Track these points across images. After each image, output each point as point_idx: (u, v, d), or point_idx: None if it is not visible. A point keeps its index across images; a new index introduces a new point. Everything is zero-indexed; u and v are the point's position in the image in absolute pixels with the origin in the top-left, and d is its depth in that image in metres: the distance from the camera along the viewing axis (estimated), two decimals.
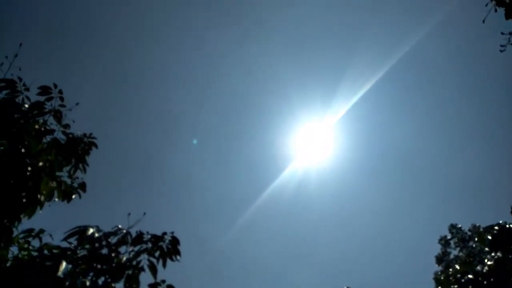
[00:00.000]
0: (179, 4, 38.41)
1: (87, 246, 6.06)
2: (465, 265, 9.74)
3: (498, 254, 9.30)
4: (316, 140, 31.43)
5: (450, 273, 9.66)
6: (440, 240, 28.04)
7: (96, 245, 6.07)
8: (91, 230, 5.98)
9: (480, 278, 8.76)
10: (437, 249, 28.02)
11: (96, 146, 7.72)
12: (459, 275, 9.11)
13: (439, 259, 27.49)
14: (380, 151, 41.63)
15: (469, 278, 9.12)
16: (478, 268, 9.63)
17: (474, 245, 27.12)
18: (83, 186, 7.19)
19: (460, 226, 28.06)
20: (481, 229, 23.23)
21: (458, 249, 28.13)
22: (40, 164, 5.72)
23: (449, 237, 28.60)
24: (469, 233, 28.24)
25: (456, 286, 8.92)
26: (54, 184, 6.02)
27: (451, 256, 27.72)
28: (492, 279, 8.67)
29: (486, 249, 10.07)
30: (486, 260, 9.61)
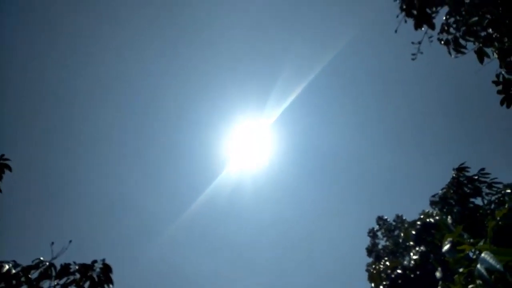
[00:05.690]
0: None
1: (3, 285, 5.44)
2: (394, 262, 10.44)
3: (422, 248, 10.09)
4: (250, 143, 31.96)
5: (381, 268, 10.29)
6: (369, 232, 29.77)
7: (14, 282, 5.46)
8: (6, 267, 5.36)
9: (407, 272, 9.43)
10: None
11: (9, 169, 6.95)
12: (389, 271, 9.72)
13: (369, 251, 29.16)
14: (311, 152, 43.33)
15: (398, 273, 9.77)
16: (405, 262, 10.35)
17: (398, 235, 29.16)
18: None
19: (386, 217, 30.02)
20: (406, 224, 25.01)
21: (385, 239, 30.07)
22: None
23: (376, 228, 30.46)
24: (393, 223, 30.35)
25: (388, 282, 9.50)
26: None
27: (380, 247, 29.55)
28: (418, 272, 9.39)
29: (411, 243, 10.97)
30: (411, 254, 10.39)
